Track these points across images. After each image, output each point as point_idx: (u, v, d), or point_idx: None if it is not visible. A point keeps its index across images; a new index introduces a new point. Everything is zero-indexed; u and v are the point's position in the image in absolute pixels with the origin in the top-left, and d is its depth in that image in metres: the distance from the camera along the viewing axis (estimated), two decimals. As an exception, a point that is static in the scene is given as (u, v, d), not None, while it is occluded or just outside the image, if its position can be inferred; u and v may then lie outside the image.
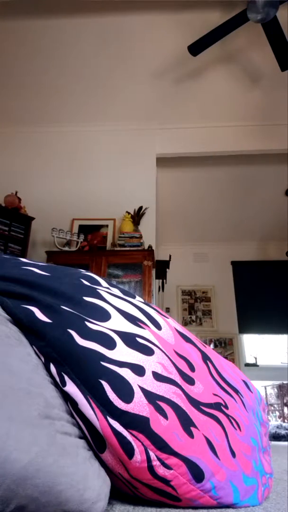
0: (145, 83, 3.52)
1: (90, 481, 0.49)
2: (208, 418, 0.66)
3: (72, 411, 0.58)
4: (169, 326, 0.76)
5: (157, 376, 0.62)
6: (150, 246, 3.28)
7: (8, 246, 3.20)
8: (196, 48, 2.82)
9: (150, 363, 0.63)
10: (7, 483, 0.39)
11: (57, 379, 0.58)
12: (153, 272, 3.37)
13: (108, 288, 0.77)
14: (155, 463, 0.57)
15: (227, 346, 4.88)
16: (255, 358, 5.01)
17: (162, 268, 3.91)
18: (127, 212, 3.48)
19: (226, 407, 0.71)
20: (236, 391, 0.78)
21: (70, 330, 0.60)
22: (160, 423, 0.58)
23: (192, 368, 0.71)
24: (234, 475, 0.64)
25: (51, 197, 3.74)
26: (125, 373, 0.59)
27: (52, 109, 3.86)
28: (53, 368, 0.58)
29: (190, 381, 0.68)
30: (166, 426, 0.58)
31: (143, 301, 0.81)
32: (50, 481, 0.43)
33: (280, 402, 5.76)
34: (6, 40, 3.17)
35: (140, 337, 0.66)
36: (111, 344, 0.61)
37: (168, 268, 4.05)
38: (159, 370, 0.63)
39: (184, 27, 2.99)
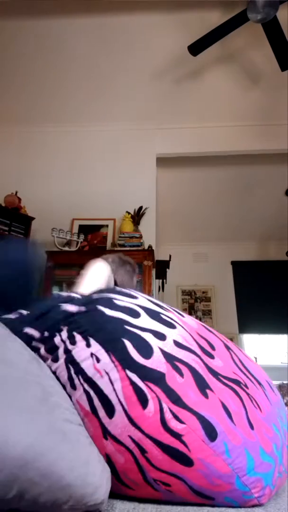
0: (145, 83, 3.52)
1: (92, 465, 0.49)
2: (226, 388, 0.65)
3: (82, 378, 0.61)
4: (191, 318, 0.80)
5: (178, 344, 0.66)
6: (150, 246, 3.28)
7: (8, 246, 3.19)
8: (196, 48, 2.82)
9: (171, 333, 0.67)
10: (9, 467, 0.39)
11: (83, 342, 0.63)
12: (153, 272, 3.37)
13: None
14: (168, 415, 0.58)
15: (227, 346, 4.87)
16: (255, 358, 5.01)
17: (162, 268, 3.90)
18: (127, 212, 3.48)
19: (246, 386, 0.70)
20: (259, 383, 0.77)
21: (99, 307, 0.68)
22: (175, 380, 0.60)
23: (212, 347, 0.73)
24: (250, 444, 0.61)
25: (51, 197, 3.74)
26: (147, 336, 0.64)
27: (52, 109, 3.86)
28: (78, 336, 0.63)
29: (210, 356, 0.70)
30: (181, 383, 0.60)
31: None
32: (51, 465, 0.43)
33: (280, 402, 5.74)
34: (8, 40, 3.17)
35: (164, 315, 0.71)
36: (135, 314, 0.67)
37: (168, 268, 4.05)
38: (180, 340, 0.67)
39: (184, 27, 2.99)
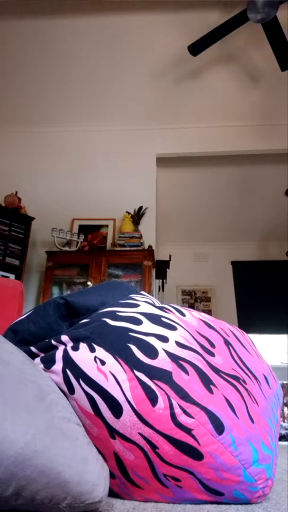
0: (146, 83, 3.52)
1: (90, 464, 0.49)
2: (227, 384, 0.69)
3: (82, 380, 0.62)
4: (192, 315, 0.83)
5: (180, 345, 0.69)
6: (150, 246, 3.28)
7: (8, 246, 3.20)
8: (196, 48, 2.82)
9: (173, 335, 0.70)
10: (6, 465, 0.39)
11: (87, 348, 0.65)
12: (153, 272, 3.37)
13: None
14: (177, 410, 0.60)
15: (227, 346, 4.87)
16: (255, 358, 5.01)
17: (162, 268, 3.90)
18: (127, 212, 3.48)
19: (245, 382, 0.74)
20: (256, 378, 0.81)
21: (104, 318, 0.71)
22: (182, 377, 0.63)
23: (212, 345, 0.77)
24: (253, 437, 0.64)
25: (51, 197, 3.74)
26: (151, 339, 0.67)
27: (52, 110, 3.86)
28: (82, 344, 0.66)
29: (211, 354, 0.74)
30: (187, 380, 0.63)
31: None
32: (48, 461, 0.43)
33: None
34: (9, 40, 3.17)
35: (165, 318, 0.75)
36: (138, 322, 0.71)
37: (168, 268, 4.05)
38: (182, 341, 0.70)
39: (184, 27, 2.99)
